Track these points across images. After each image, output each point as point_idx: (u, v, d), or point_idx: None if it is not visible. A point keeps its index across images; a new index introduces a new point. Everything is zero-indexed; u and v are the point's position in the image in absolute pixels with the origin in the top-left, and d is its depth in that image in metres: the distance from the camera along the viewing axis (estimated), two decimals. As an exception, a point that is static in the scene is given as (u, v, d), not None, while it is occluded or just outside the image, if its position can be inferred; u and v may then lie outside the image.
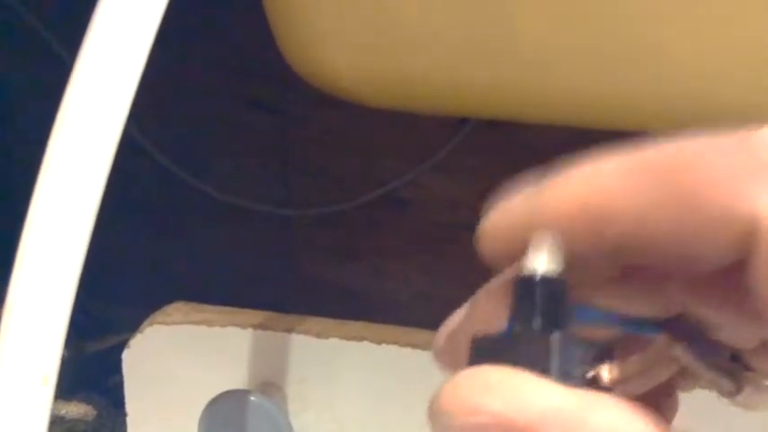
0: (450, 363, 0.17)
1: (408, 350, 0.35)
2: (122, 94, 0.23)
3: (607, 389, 0.14)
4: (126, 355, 0.37)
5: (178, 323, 0.37)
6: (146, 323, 0.38)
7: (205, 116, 0.82)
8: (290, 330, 0.37)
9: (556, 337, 0.14)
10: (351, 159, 0.88)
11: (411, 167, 0.85)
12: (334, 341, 0.36)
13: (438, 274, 0.89)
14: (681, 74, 0.40)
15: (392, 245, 0.90)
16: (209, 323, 0.37)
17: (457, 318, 0.17)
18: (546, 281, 0.15)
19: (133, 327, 0.59)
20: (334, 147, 0.88)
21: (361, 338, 0.36)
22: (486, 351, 0.15)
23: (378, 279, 0.90)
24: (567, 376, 0.14)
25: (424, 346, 0.35)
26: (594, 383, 0.14)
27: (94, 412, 0.46)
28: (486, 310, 0.16)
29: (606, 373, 0.14)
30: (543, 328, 0.14)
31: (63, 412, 0.45)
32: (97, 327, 0.62)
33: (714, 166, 0.13)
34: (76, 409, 0.46)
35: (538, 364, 0.14)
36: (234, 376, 0.37)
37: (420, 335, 0.36)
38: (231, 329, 0.37)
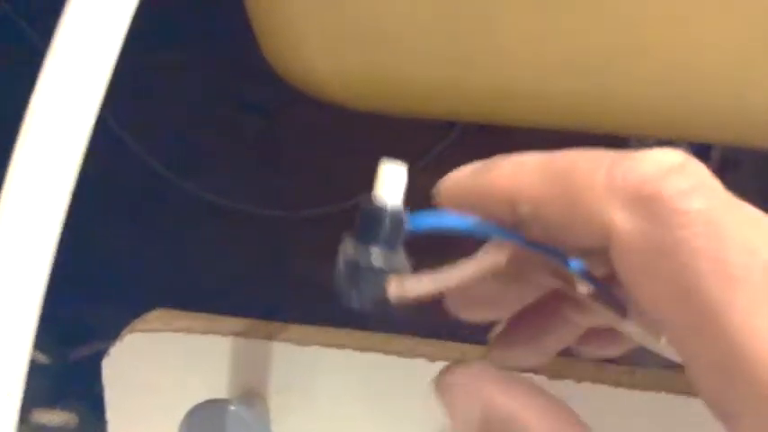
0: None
1: (392, 358, 0.35)
2: (95, 83, 0.22)
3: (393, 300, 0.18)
4: (105, 363, 0.37)
5: (158, 331, 0.37)
6: (125, 331, 0.37)
7: (194, 117, 0.82)
8: (271, 338, 0.36)
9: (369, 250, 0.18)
10: (341, 160, 0.87)
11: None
12: (315, 348, 0.36)
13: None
14: (670, 76, 0.40)
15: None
16: (189, 331, 0.37)
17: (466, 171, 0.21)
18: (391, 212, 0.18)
19: (118, 332, 0.58)
20: (324, 148, 0.87)
21: (343, 346, 0.36)
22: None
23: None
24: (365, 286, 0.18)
25: (407, 354, 0.35)
26: (384, 298, 0.18)
27: (76, 420, 0.45)
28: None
29: (392, 287, 0.18)
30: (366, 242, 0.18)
31: (45, 421, 0.45)
32: (80, 332, 0.61)
33: (591, 183, 0.17)
34: (58, 418, 0.46)
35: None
36: (215, 384, 0.36)
37: (404, 342, 0.36)
38: (211, 337, 0.37)
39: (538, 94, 0.41)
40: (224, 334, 0.37)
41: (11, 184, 0.21)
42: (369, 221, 0.19)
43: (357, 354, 0.36)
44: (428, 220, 0.19)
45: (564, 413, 0.19)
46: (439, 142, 0.81)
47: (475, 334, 0.37)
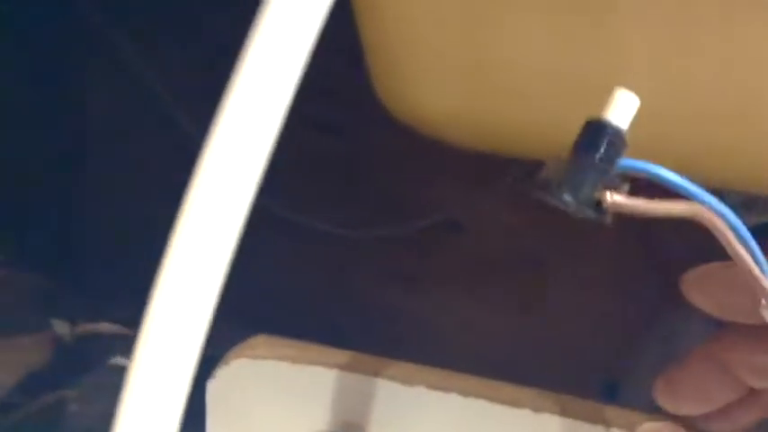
0: None
1: (498, 406, 0.35)
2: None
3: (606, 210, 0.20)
4: (210, 386, 0.37)
5: (264, 357, 0.37)
6: (231, 355, 0.38)
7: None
8: (376, 374, 0.36)
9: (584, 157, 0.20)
10: (412, 182, 0.88)
11: (471, 193, 0.84)
12: (420, 389, 0.36)
13: (488, 303, 0.89)
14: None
15: (445, 270, 0.89)
16: (295, 360, 0.37)
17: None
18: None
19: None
20: (396, 169, 0.88)
21: (447, 389, 0.36)
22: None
23: (426, 303, 0.90)
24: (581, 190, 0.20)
25: (513, 404, 0.35)
26: (600, 203, 0.20)
27: None
28: None
29: (609, 196, 0.20)
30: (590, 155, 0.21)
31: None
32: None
33: None
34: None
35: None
36: (316, 415, 0.37)
37: (510, 391, 0.36)
38: (316, 368, 0.37)
39: (654, 145, 0.41)
40: (329, 366, 0.37)
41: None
42: (593, 134, 0.21)
43: (462, 398, 0.36)
44: (645, 165, 0.21)
45: None
46: (509, 169, 0.80)
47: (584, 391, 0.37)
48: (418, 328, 0.89)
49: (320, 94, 0.86)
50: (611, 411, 0.36)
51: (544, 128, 0.41)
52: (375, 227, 0.88)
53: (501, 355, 0.87)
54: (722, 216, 0.21)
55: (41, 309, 0.67)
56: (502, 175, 0.79)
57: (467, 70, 0.40)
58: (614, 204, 0.20)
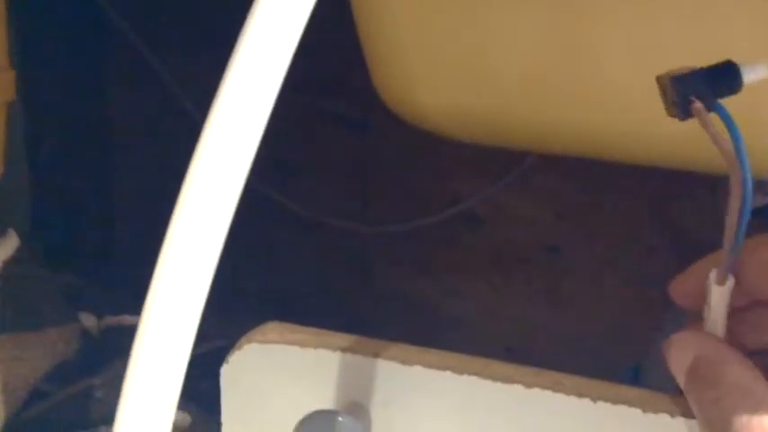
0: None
1: (489, 382, 0.37)
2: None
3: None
4: (224, 370, 0.40)
5: (273, 342, 0.40)
6: (243, 340, 0.40)
7: (287, 132, 0.85)
8: (377, 355, 0.39)
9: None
10: (429, 176, 0.90)
11: (488, 185, 0.86)
12: (417, 369, 0.38)
13: (507, 293, 0.91)
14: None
15: (465, 261, 0.91)
16: (302, 344, 0.40)
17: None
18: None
19: (219, 335, 0.61)
20: (414, 164, 0.90)
21: (444, 368, 0.38)
22: None
23: (448, 294, 0.92)
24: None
25: (504, 380, 0.37)
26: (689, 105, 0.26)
27: (189, 419, 0.48)
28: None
29: (698, 104, 0.26)
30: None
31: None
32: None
33: None
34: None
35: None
36: (323, 395, 0.39)
37: (503, 368, 0.38)
38: (321, 351, 0.39)
39: (644, 135, 0.43)
40: (333, 349, 0.39)
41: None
42: (723, 68, 0.26)
43: (456, 376, 0.38)
44: (730, 118, 0.26)
45: (753, 364, 0.25)
46: (524, 160, 0.82)
47: (568, 367, 0.39)
48: (441, 317, 0.91)
49: (340, 94, 0.88)
50: (597, 385, 0.38)
51: (531, 122, 0.43)
52: (395, 221, 0.90)
53: (523, 340, 0.89)
54: (745, 186, 0.26)
55: (69, 303, 0.70)
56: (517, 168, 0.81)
57: (456, 71, 0.43)
58: (697, 110, 0.25)
